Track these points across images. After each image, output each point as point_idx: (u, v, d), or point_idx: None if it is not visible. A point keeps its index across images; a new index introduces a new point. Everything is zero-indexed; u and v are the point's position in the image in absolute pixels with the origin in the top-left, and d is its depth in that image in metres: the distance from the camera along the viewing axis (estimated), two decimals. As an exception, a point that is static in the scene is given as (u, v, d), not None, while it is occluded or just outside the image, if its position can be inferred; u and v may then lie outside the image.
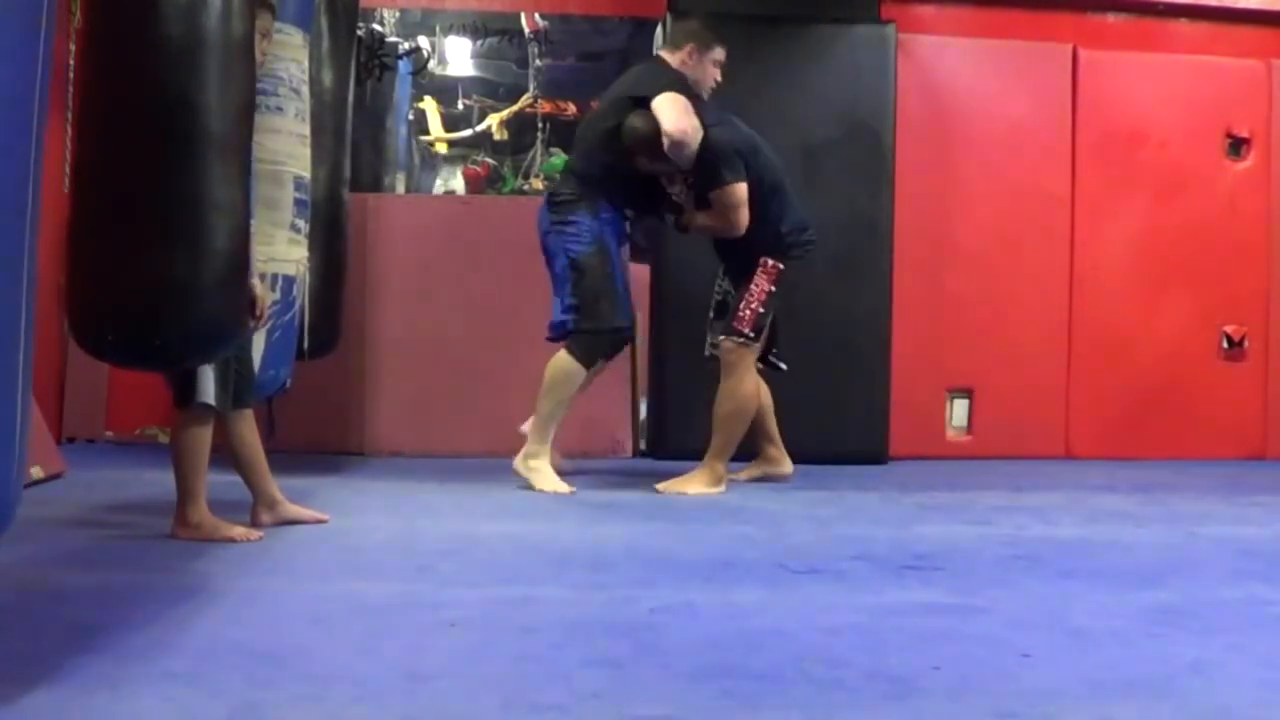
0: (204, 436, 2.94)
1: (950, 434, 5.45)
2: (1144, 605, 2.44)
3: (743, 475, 4.36)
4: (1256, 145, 5.60)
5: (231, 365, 2.93)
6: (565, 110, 5.41)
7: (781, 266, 4.07)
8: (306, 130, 3.63)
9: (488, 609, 2.32)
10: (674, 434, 4.88)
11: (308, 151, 3.65)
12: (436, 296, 5.14)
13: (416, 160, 5.52)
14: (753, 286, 4.06)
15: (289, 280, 3.61)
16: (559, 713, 1.66)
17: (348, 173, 4.39)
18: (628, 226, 4.26)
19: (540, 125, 5.50)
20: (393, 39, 5.40)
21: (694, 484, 4.05)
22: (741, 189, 4.01)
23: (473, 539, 3.11)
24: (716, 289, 4.32)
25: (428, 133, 5.50)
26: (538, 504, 3.79)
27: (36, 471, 3.80)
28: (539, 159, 5.50)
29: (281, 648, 1.98)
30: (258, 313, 2.90)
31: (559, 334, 4.08)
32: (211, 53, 2.42)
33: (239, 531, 2.96)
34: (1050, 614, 2.35)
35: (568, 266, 4.03)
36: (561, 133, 5.46)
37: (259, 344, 3.25)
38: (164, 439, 4.55)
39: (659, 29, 4.98)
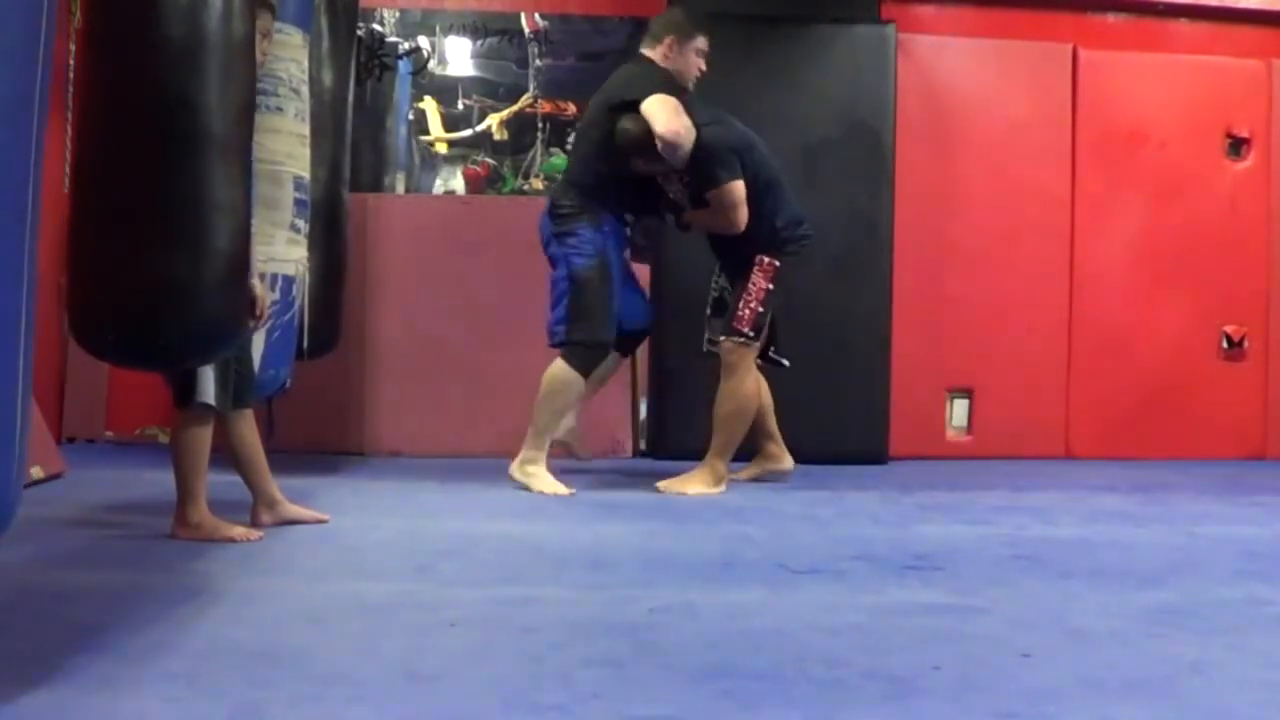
0: (204, 436, 2.94)
1: (950, 434, 5.45)
2: (1144, 605, 2.44)
3: (743, 474, 4.36)
4: (1256, 145, 5.60)
5: (231, 365, 2.93)
6: (565, 110, 5.41)
7: (778, 264, 4.07)
8: (306, 130, 3.63)
9: (488, 609, 2.33)
10: (674, 434, 4.88)
11: (307, 151, 3.65)
12: (436, 296, 5.14)
13: (416, 160, 5.51)
14: (750, 285, 4.06)
15: (288, 280, 3.61)
16: (559, 713, 1.66)
17: (348, 173, 4.39)
18: (628, 231, 4.27)
19: (540, 125, 5.49)
20: (393, 39, 5.41)
21: (694, 484, 4.05)
22: (739, 187, 4.02)
23: (473, 539, 3.11)
24: (713, 285, 4.32)
25: (428, 133, 5.50)
26: (538, 504, 3.79)
27: (36, 471, 3.80)
28: (539, 159, 5.50)
29: (281, 648, 1.98)
30: (258, 313, 2.90)
31: (556, 342, 4.08)
32: (212, 53, 2.42)
33: (239, 531, 2.96)
34: (1050, 614, 2.35)
35: (567, 278, 4.05)
36: (561, 133, 5.46)
37: (258, 344, 3.25)
38: (164, 439, 4.55)
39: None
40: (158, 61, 2.38)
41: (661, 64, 4.17)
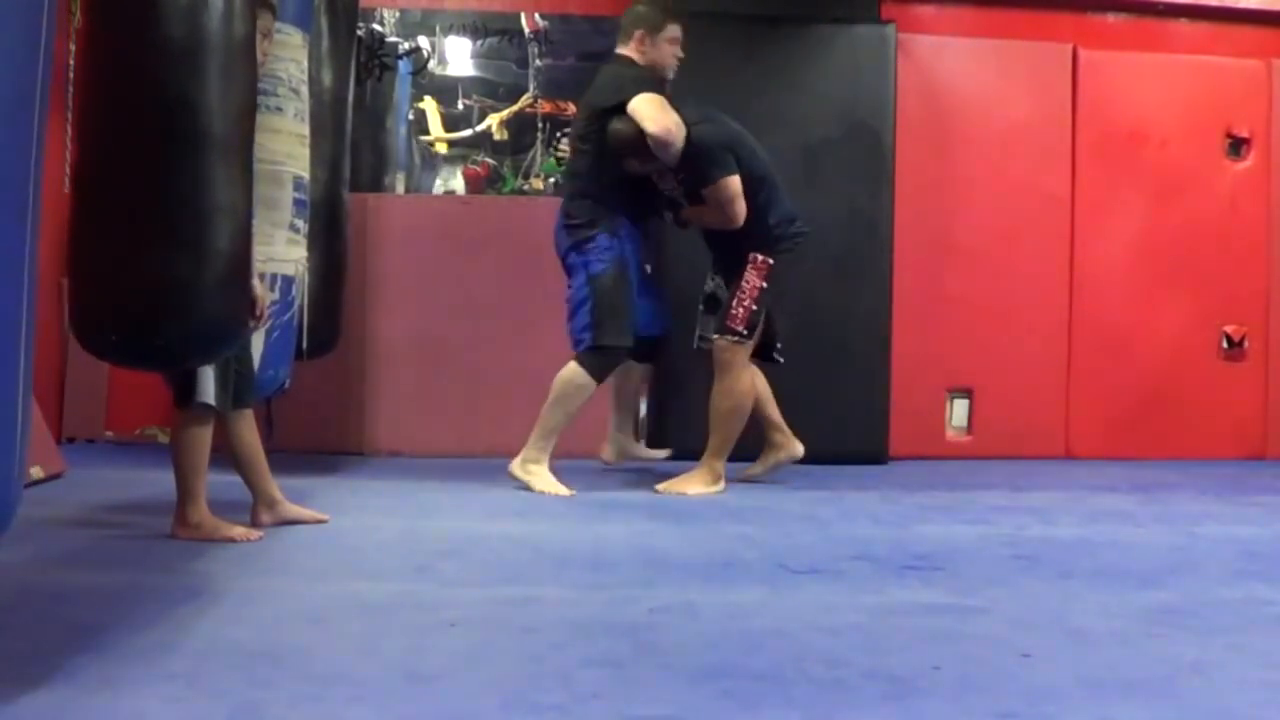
0: (204, 436, 2.95)
1: (950, 434, 5.45)
2: (1144, 605, 2.44)
3: (757, 469, 4.35)
4: (1256, 145, 5.60)
5: (231, 365, 2.93)
6: (565, 110, 5.40)
7: (772, 261, 4.07)
8: (306, 130, 3.63)
9: (488, 609, 2.33)
10: (674, 433, 4.87)
11: (307, 151, 3.65)
12: (436, 296, 5.14)
13: (416, 160, 5.51)
14: (744, 284, 4.06)
15: (288, 280, 3.61)
16: (559, 713, 1.66)
17: (348, 173, 4.39)
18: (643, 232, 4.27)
19: (540, 125, 5.49)
20: (393, 39, 5.40)
21: (693, 484, 4.05)
22: (734, 182, 4.02)
23: (473, 539, 3.11)
24: (707, 282, 4.32)
25: (428, 133, 5.49)
26: (538, 504, 3.79)
27: (36, 471, 3.80)
28: (539, 159, 5.50)
29: (281, 648, 1.98)
30: (257, 313, 2.90)
31: (583, 349, 4.06)
32: (213, 53, 2.42)
33: (239, 531, 2.96)
34: (1050, 614, 2.35)
35: (586, 284, 4.05)
36: (561, 133, 5.46)
37: (258, 344, 3.26)
38: (164, 439, 4.55)
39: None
40: (158, 61, 2.38)
41: (639, 60, 4.18)
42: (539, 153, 5.51)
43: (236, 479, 3.13)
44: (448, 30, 5.52)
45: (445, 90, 5.51)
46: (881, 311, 5.07)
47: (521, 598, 2.42)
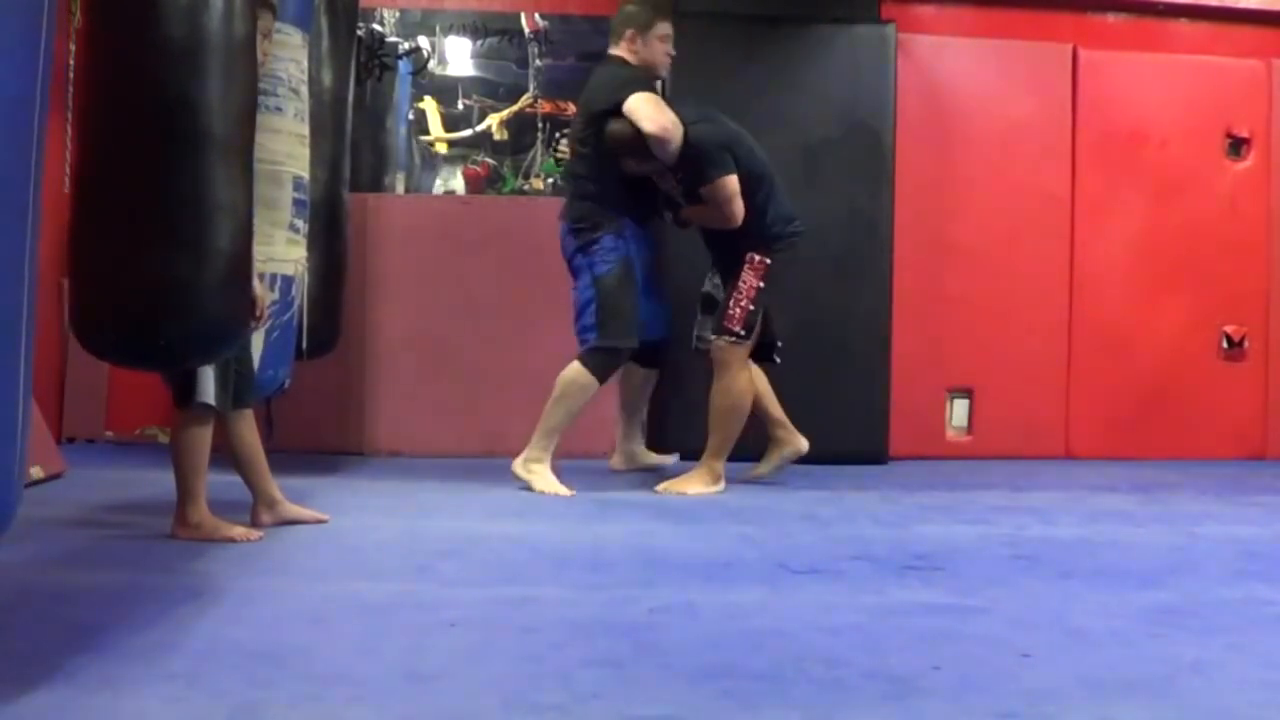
0: (204, 436, 2.94)
1: (950, 434, 5.45)
2: (1144, 605, 2.44)
3: (764, 468, 4.34)
4: (1256, 145, 5.60)
5: (231, 365, 2.93)
6: (565, 110, 5.40)
7: (769, 261, 4.07)
8: (306, 130, 3.63)
9: (488, 609, 2.33)
10: (674, 434, 4.87)
11: (307, 151, 3.65)
12: (436, 296, 5.14)
13: (416, 160, 5.51)
14: (741, 284, 4.07)
15: (288, 280, 3.61)
16: (559, 713, 1.66)
17: (348, 173, 4.39)
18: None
19: (540, 125, 5.49)
20: (393, 39, 5.40)
21: (693, 484, 4.05)
22: (732, 181, 4.02)
23: (473, 539, 3.11)
24: (706, 282, 4.32)
25: (428, 133, 5.49)
26: (538, 504, 3.80)
27: (36, 471, 3.80)
28: (539, 159, 5.50)
29: (281, 648, 1.98)
30: (257, 313, 2.90)
31: (588, 348, 4.07)
32: (213, 53, 2.42)
33: (239, 531, 2.96)
34: (1050, 614, 2.35)
35: (591, 284, 4.07)
36: (561, 133, 5.46)
37: (258, 344, 3.26)
38: (164, 439, 4.55)
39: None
40: (158, 61, 2.38)
41: (631, 60, 4.18)
42: (539, 153, 5.51)
43: (236, 479, 3.13)
44: (448, 30, 5.52)
45: (445, 90, 5.51)
46: (881, 311, 5.07)
47: (521, 598, 2.42)
